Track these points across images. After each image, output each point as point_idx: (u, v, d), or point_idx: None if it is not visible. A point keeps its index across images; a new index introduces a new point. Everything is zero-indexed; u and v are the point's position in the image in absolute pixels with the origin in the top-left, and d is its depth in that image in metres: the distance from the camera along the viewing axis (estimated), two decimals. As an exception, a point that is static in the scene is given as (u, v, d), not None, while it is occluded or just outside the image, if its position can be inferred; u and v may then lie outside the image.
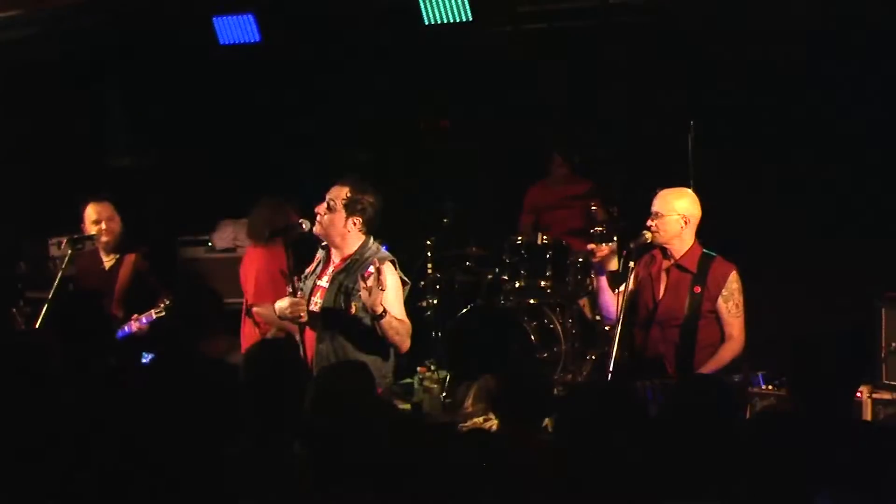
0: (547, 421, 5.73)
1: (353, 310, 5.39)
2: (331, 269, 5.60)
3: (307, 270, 5.73)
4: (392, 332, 5.34)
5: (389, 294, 5.33)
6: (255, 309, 6.69)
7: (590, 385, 5.26)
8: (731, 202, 7.51)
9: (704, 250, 5.68)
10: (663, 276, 5.68)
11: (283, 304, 5.56)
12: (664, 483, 3.24)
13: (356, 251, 5.54)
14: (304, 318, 5.49)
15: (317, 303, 5.54)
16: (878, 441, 3.54)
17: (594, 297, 7.79)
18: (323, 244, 5.69)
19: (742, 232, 7.37)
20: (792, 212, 7.58)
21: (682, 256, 5.64)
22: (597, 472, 3.21)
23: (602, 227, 7.71)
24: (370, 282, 5.13)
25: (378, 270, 5.19)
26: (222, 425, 3.73)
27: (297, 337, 5.63)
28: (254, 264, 6.83)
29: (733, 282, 5.60)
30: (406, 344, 5.48)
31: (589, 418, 3.31)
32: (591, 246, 5.77)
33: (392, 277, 5.43)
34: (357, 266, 5.47)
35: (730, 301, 5.57)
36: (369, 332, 5.41)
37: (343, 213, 5.49)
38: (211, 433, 3.65)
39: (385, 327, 5.29)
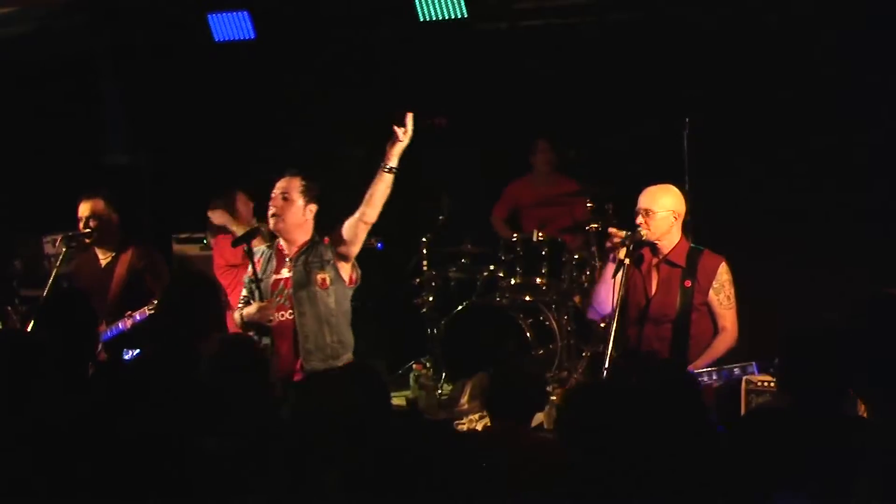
0: (541, 416, 5.79)
1: (327, 282, 5.51)
2: (287, 260, 5.64)
3: (251, 273, 5.68)
4: (383, 194, 5.53)
5: None
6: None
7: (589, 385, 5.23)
8: (726, 199, 7.52)
9: (692, 245, 5.68)
10: (653, 272, 5.68)
11: (251, 309, 5.58)
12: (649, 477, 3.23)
13: (310, 238, 5.64)
14: (274, 322, 5.51)
15: (282, 293, 5.58)
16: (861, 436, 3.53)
17: (588, 292, 7.80)
18: (268, 244, 5.73)
19: (737, 229, 7.38)
20: (787, 208, 7.57)
21: (670, 252, 5.64)
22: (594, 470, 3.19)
23: (597, 224, 7.73)
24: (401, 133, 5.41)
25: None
26: (216, 422, 3.72)
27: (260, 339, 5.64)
28: None
29: (723, 273, 5.60)
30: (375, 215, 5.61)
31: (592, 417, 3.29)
32: (612, 230, 5.70)
33: None
34: (315, 246, 5.60)
35: (721, 293, 5.57)
36: (345, 299, 5.61)
37: (301, 202, 5.58)
38: (204, 430, 3.64)
39: (386, 185, 5.50)
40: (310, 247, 5.60)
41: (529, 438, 4.24)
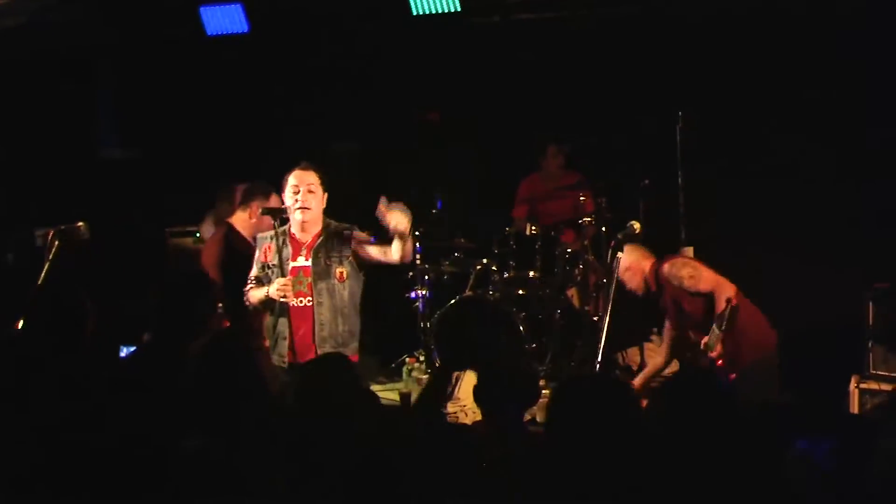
0: (535, 411, 5.79)
1: (344, 276, 5.73)
2: (303, 249, 5.79)
3: (261, 259, 5.84)
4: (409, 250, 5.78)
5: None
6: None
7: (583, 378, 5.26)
8: (719, 193, 7.53)
9: (651, 269, 6.03)
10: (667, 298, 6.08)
11: (272, 287, 5.70)
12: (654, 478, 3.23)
13: (323, 226, 5.82)
14: (291, 303, 5.66)
15: (301, 281, 5.74)
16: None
17: (584, 287, 7.82)
18: (281, 230, 5.80)
19: (729, 223, 7.39)
20: (780, 203, 7.58)
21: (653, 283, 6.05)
22: (587, 466, 3.19)
23: (591, 218, 7.73)
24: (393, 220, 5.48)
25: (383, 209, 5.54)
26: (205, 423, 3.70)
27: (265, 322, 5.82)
28: None
29: (664, 274, 5.95)
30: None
31: (583, 412, 3.28)
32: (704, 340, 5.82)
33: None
34: (332, 237, 5.77)
35: (682, 284, 5.81)
36: (357, 291, 5.83)
37: (321, 193, 5.78)
38: (193, 430, 3.63)
39: (409, 245, 5.69)
40: (325, 238, 5.77)
41: (521, 433, 4.23)
